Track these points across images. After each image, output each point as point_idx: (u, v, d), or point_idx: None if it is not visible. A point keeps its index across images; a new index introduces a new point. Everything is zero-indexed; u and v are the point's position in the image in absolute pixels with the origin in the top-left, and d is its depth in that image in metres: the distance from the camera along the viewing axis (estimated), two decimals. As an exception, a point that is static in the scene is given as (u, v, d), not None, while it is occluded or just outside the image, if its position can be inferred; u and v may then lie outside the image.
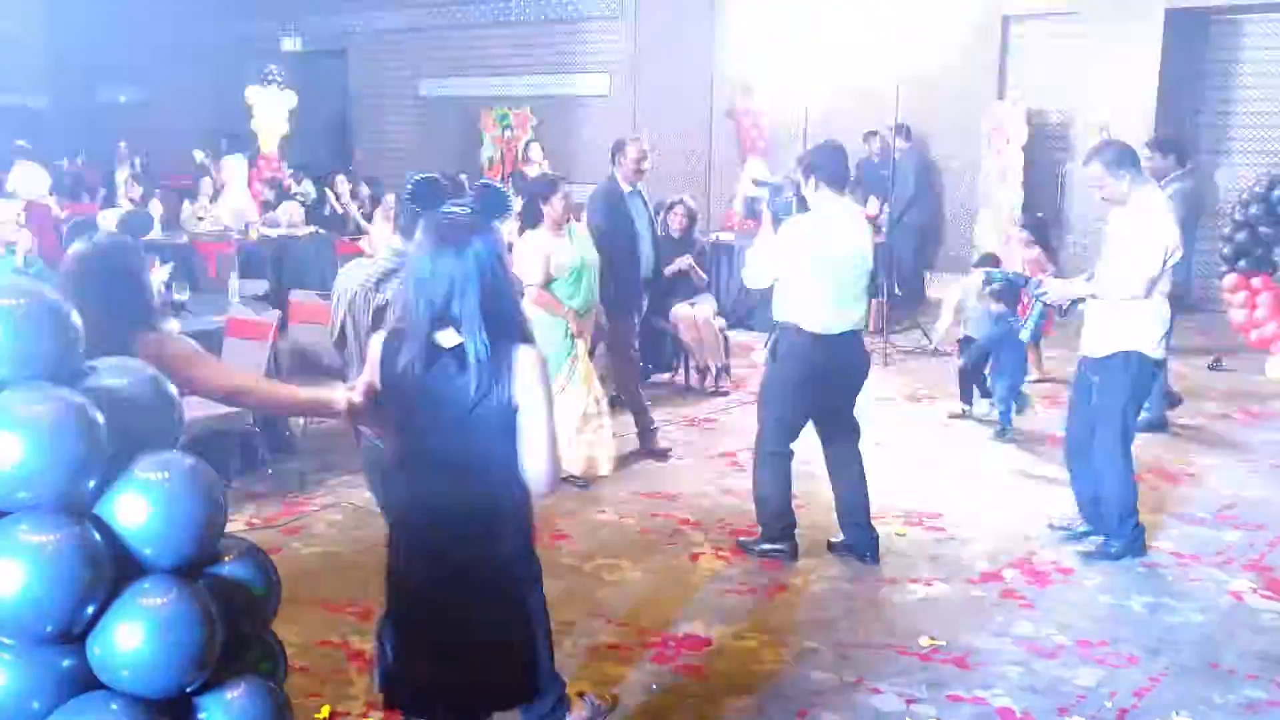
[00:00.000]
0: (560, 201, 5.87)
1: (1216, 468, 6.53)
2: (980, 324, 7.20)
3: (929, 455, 6.74)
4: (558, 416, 2.76)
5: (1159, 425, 7.07)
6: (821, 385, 4.91)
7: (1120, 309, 4.90)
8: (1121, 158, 4.88)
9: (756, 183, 6.73)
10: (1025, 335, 5.82)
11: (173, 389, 2.28)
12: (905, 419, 7.51)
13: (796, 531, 5.10)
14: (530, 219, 5.97)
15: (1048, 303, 5.35)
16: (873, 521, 5.09)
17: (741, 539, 5.21)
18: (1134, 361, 4.90)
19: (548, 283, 5.89)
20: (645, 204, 6.84)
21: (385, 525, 2.88)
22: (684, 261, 8.12)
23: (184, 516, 2.08)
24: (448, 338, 2.56)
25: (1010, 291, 6.63)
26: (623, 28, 14.51)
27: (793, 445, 5.04)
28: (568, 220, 5.98)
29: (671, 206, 8.30)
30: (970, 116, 11.68)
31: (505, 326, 2.58)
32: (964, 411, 7.49)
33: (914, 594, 4.76)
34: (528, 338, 2.63)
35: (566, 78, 15.19)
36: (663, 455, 6.58)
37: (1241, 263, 8.81)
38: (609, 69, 14.74)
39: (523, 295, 5.72)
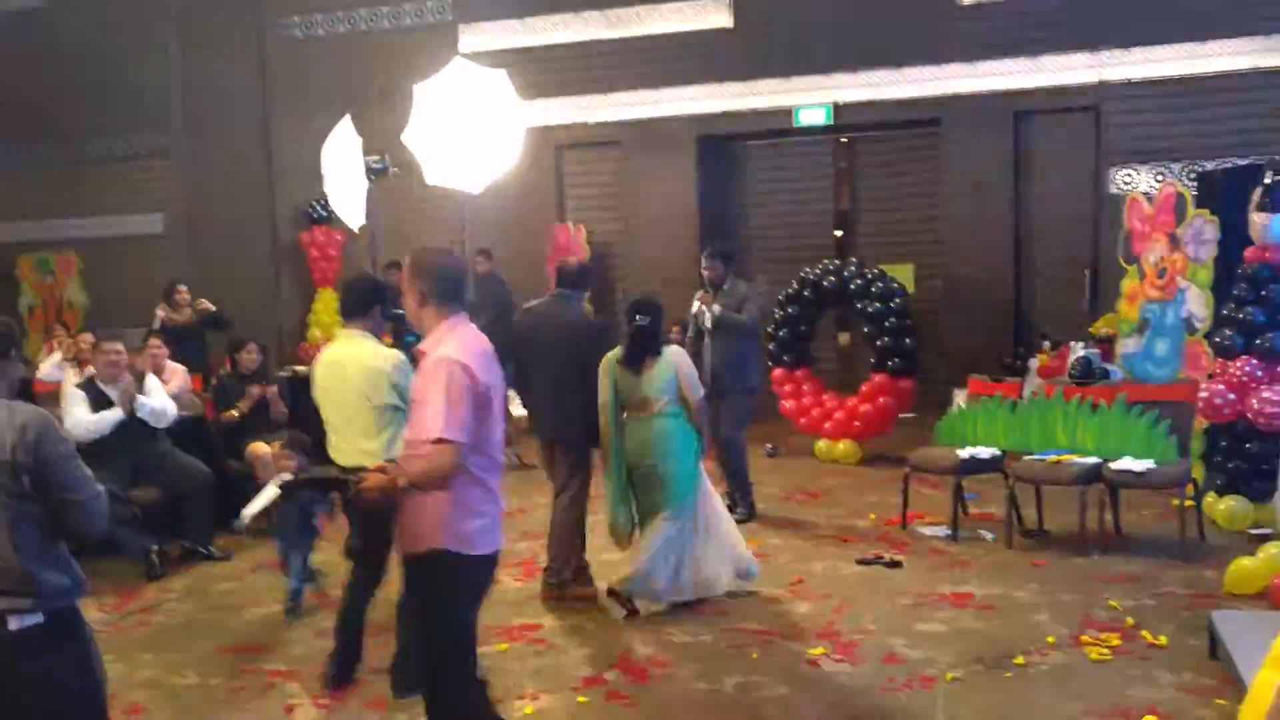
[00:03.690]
0: None
1: (784, 547, 7.06)
2: None
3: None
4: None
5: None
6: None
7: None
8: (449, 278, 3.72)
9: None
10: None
11: None
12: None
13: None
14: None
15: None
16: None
17: None
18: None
19: None
20: None
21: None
22: (255, 391, 8.03)
23: None
24: None
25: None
26: (173, 165, 13.89)
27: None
28: None
29: (241, 345, 8.17)
30: (535, 240, 12.19)
31: None
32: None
33: (519, 710, 4.71)
34: None
35: (115, 218, 14.26)
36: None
37: (786, 357, 9.75)
38: (162, 207, 14.02)
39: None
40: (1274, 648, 1.57)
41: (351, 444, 4.63)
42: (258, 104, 13.52)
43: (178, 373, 8.27)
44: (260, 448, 7.67)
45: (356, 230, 10.05)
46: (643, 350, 5.91)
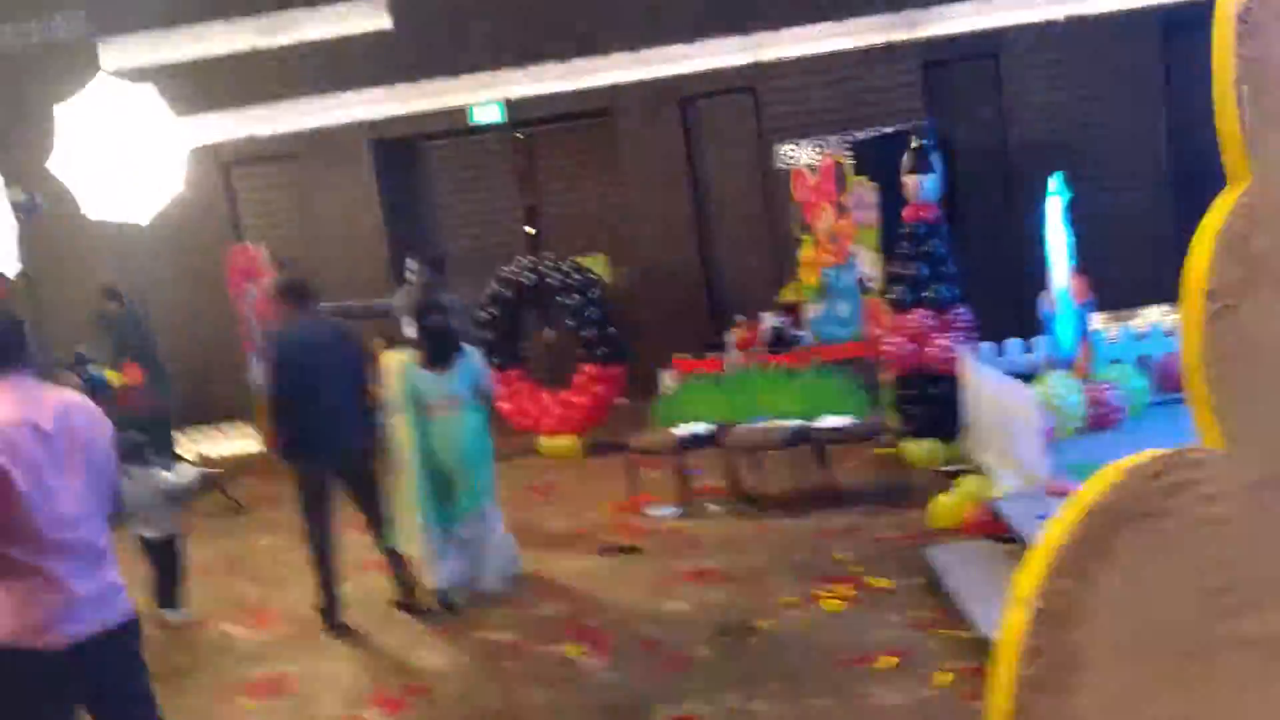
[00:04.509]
0: None
1: (520, 549, 6.94)
2: None
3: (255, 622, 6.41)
4: None
5: None
6: None
7: None
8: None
9: None
10: None
11: None
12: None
13: None
14: None
15: None
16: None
17: None
18: None
19: None
20: None
21: None
22: None
23: None
24: None
25: None
26: None
27: None
28: None
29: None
30: (210, 264, 11.45)
31: None
32: None
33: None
34: None
35: None
36: None
37: (495, 359, 9.69)
38: None
39: None
40: (1015, 588, 1.70)
41: None
42: None
43: None
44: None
45: (9, 277, 9.12)
46: (446, 349, 5.93)
